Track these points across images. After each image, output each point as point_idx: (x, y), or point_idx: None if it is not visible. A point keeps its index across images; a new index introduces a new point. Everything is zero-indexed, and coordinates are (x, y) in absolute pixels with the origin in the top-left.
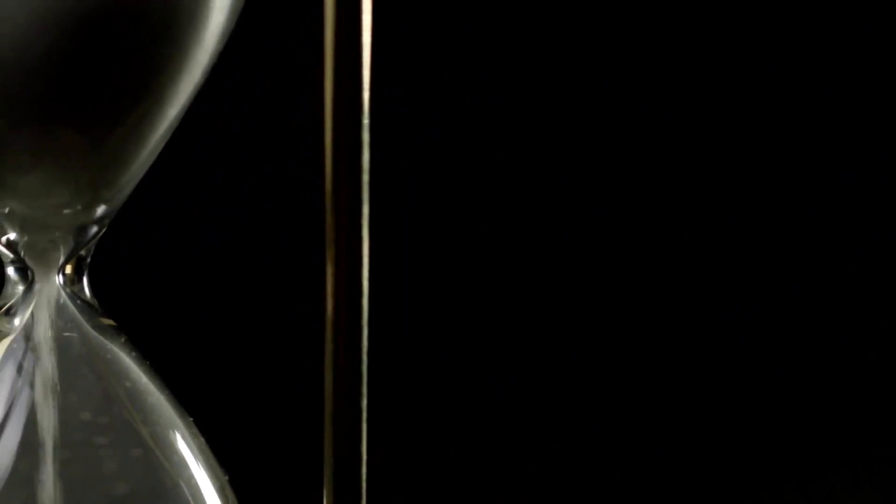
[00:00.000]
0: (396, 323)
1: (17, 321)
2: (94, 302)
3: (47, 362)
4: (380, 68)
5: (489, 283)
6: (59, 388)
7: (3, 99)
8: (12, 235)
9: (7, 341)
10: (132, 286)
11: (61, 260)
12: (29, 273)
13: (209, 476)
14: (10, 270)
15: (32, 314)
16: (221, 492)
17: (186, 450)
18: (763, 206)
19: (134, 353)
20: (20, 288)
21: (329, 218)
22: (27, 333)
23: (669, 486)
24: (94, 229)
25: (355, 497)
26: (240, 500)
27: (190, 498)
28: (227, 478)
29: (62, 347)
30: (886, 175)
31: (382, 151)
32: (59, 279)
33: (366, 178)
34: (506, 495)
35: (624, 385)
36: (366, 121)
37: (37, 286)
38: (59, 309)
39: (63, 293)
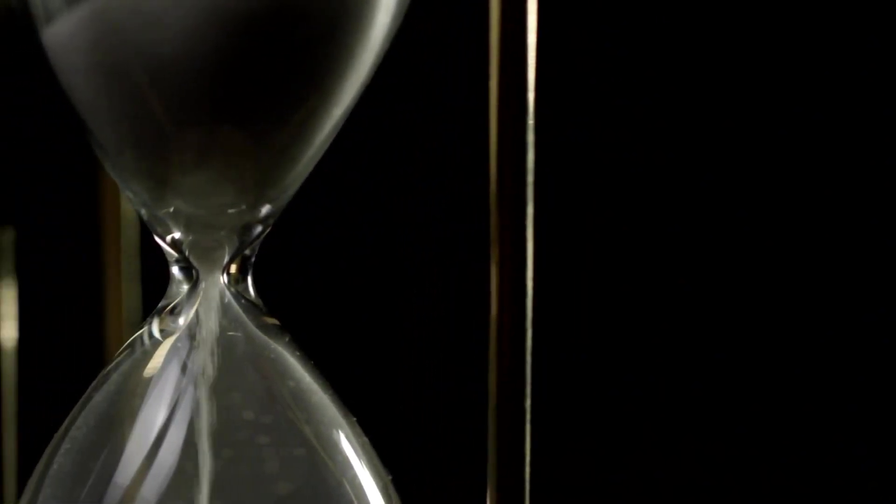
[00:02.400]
0: (560, 323)
1: (181, 320)
2: (259, 301)
3: (211, 362)
4: (545, 69)
5: (652, 282)
6: (222, 387)
7: (170, 97)
8: (177, 234)
9: (171, 340)
10: (296, 286)
11: (226, 259)
12: (193, 272)
13: (372, 476)
14: (175, 269)
15: (197, 313)
16: (385, 492)
17: (350, 449)
18: None
19: (298, 353)
20: (184, 287)
21: (493, 218)
22: (191, 332)
23: (813, 487)
24: (259, 229)
25: (518, 497)
26: (403, 501)
27: (353, 498)
28: (390, 478)
29: (226, 346)
30: None
31: (547, 152)
32: (224, 278)
33: (530, 178)
34: (666, 495)
35: (768, 386)
36: (531, 121)
37: (201, 285)
38: (224, 308)
39: (227, 292)
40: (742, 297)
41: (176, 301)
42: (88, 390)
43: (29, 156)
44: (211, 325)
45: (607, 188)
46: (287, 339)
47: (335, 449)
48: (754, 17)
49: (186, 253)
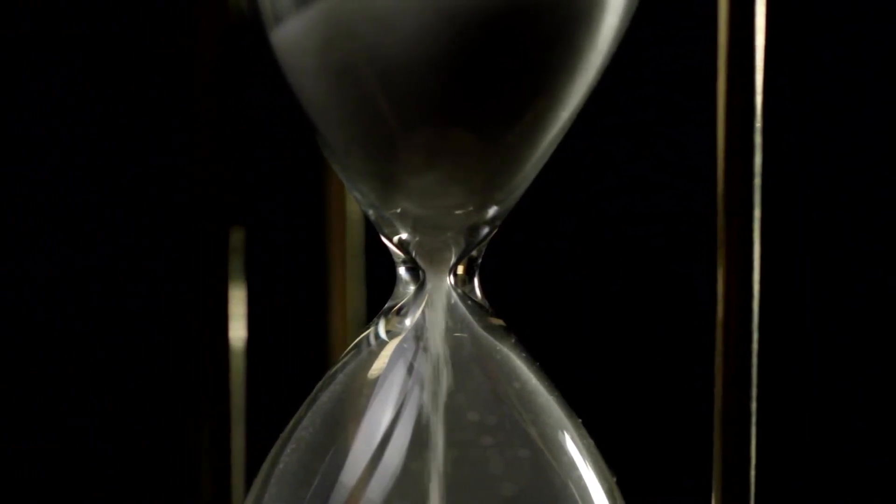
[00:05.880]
0: (786, 326)
1: (407, 321)
2: (485, 302)
3: (437, 363)
4: (773, 71)
5: (879, 285)
6: (448, 388)
7: (400, 99)
8: (404, 235)
9: (397, 341)
10: (521, 288)
11: (452, 260)
12: (420, 273)
13: (598, 477)
14: (402, 270)
15: (423, 314)
16: (610, 494)
17: (575, 451)
18: None
19: (524, 354)
20: (411, 288)
21: (720, 220)
22: (417, 333)
23: None
24: (486, 230)
25: (744, 500)
26: (628, 503)
27: (578, 499)
28: (615, 479)
29: (452, 348)
30: None
31: (774, 154)
32: (450, 280)
33: (757, 181)
34: (892, 499)
35: None
36: (758, 124)
37: (428, 286)
38: (450, 309)
39: (454, 293)
40: None
41: (402, 302)
42: (315, 390)
43: (258, 156)
44: (437, 326)
45: (835, 190)
46: (513, 341)
47: (560, 450)
48: None
49: (413, 254)
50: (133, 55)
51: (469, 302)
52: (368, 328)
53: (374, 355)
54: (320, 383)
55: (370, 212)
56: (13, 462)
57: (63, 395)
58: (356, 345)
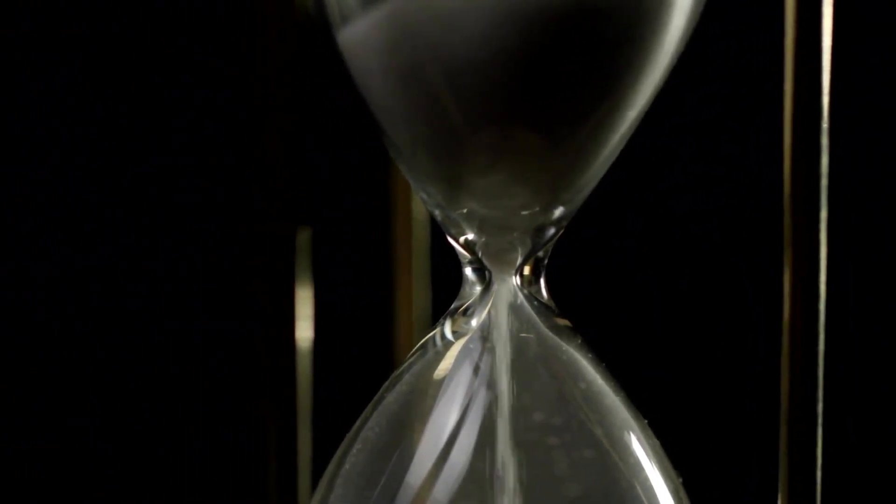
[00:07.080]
0: (853, 327)
1: (473, 322)
2: (551, 303)
3: (503, 363)
4: (840, 72)
5: None
6: (514, 388)
7: (466, 99)
8: (470, 236)
9: (463, 341)
10: (588, 288)
11: (519, 261)
12: (486, 274)
13: (663, 478)
14: (468, 271)
15: (489, 314)
16: (675, 494)
17: (641, 451)
18: None
19: (590, 355)
20: (477, 288)
21: (787, 221)
22: (483, 334)
23: None
24: (552, 231)
25: (810, 501)
26: (693, 503)
27: (644, 500)
28: (680, 480)
29: (518, 348)
30: None
31: (841, 155)
32: (516, 280)
33: (824, 182)
34: None
35: None
36: (825, 125)
37: (494, 287)
38: (516, 310)
39: (520, 294)
40: None
41: (468, 302)
42: (381, 391)
43: (325, 157)
44: (503, 326)
45: None
46: (579, 341)
47: (626, 451)
48: None
49: (479, 254)
50: (200, 55)
51: (535, 302)
52: (434, 329)
53: (440, 356)
54: (386, 384)
55: (436, 212)
56: (84, 462)
57: (135, 395)
58: (422, 345)
